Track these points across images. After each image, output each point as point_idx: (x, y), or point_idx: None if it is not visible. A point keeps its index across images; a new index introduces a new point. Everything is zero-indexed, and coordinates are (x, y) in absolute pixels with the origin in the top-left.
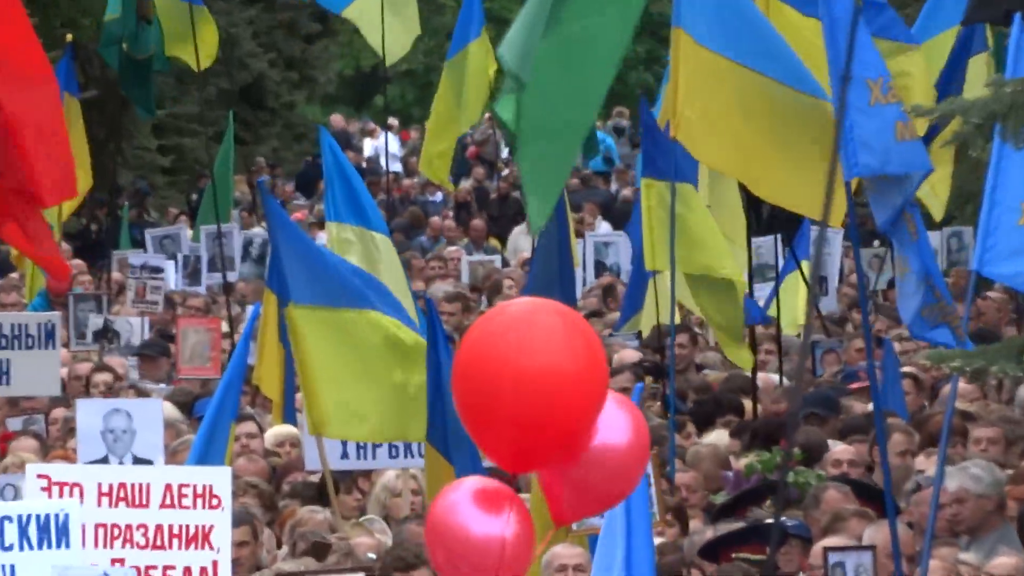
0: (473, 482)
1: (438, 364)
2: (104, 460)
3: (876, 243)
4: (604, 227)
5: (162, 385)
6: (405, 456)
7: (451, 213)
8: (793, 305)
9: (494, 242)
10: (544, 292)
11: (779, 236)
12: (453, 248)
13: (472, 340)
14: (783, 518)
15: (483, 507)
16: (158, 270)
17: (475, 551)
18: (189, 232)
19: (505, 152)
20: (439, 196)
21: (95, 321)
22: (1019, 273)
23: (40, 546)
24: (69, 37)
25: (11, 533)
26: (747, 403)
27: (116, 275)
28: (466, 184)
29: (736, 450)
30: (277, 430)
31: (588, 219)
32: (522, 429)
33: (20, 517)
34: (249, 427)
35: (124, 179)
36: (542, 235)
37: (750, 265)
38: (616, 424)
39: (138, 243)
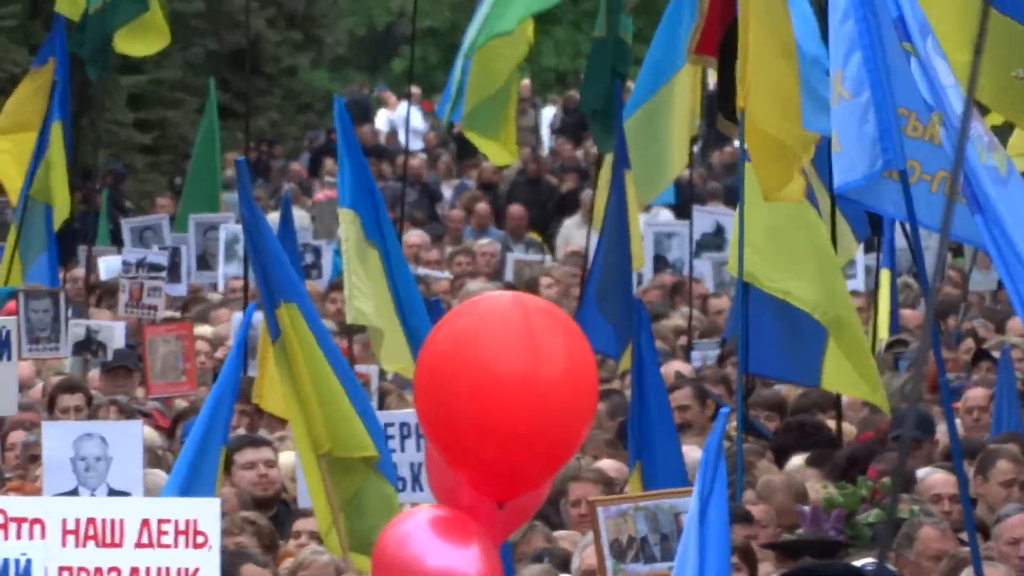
0: (427, 511)
1: None
2: (74, 493)
3: None
4: (664, 214)
5: (150, 403)
6: (413, 490)
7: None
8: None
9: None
10: (607, 296)
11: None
12: (486, 241)
13: (436, 343)
14: (870, 559)
15: (442, 538)
16: (158, 268)
17: None
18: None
19: (547, 135)
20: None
21: (75, 331)
22: None
23: None
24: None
25: None
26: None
27: (83, 271)
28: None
29: (816, 479)
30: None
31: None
32: (501, 446)
33: None
34: (266, 453)
35: (96, 159)
36: (605, 228)
37: None
38: None
39: (112, 235)
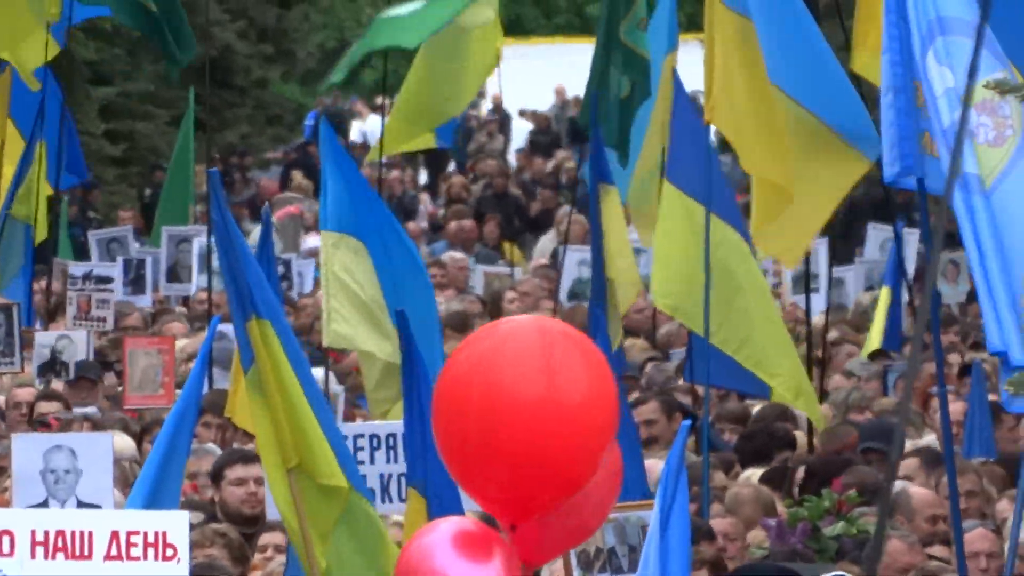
0: (452, 523)
1: (415, 392)
2: (44, 505)
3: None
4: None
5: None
6: (383, 501)
7: (441, 211)
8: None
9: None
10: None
11: (829, 240)
12: (459, 255)
13: (455, 365)
14: (836, 574)
15: (466, 553)
16: (106, 280)
17: None
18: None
19: (518, 147)
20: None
21: (40, 351)
22: None
23: None
24: None
25: None
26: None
27: (55, 284)
28: (458, 177)
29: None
30: None
31: None
32: (514, 470)
33: None
34: (256, 471)
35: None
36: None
37: (807, 272)
38: None
39: (79, 247)
